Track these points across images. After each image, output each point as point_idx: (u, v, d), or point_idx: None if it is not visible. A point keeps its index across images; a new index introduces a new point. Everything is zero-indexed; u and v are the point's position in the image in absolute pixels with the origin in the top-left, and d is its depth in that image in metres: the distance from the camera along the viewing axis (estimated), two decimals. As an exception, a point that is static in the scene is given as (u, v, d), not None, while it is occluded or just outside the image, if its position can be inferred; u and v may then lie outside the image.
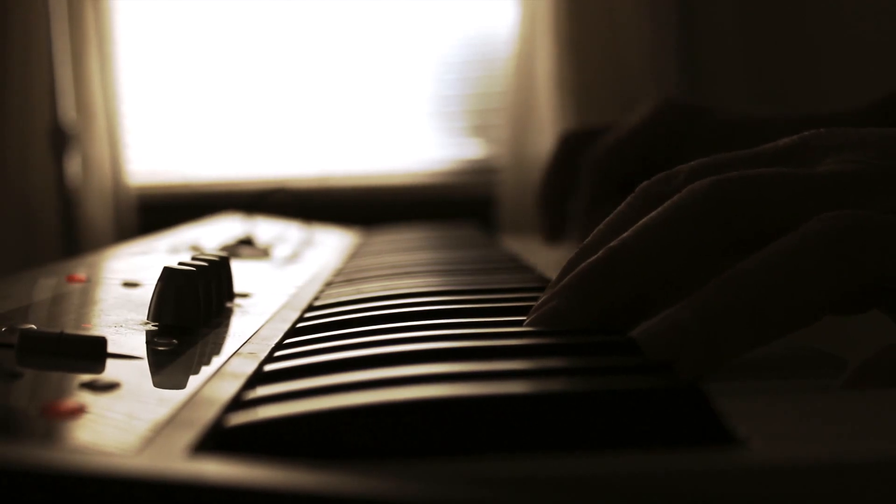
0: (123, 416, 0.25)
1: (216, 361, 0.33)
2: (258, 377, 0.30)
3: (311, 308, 0.46)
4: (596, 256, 0.35)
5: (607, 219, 0.39)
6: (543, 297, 0.36)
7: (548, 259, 0.72)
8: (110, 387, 0.27)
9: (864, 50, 1.63)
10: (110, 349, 0.32)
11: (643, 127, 0.70)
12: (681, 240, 0.33)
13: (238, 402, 0.27)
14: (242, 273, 0.55)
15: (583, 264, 0.35)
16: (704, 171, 0.36)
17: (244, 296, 0.48)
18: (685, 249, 0.33)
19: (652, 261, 0.34)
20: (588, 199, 0.71)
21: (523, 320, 0.37)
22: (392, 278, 0.53)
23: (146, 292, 0.42)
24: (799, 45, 1.75)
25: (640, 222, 0.35)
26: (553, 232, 0.79)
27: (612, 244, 0.35)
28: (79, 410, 0.25)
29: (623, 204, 0.38)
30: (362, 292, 0.48)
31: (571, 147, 0.77)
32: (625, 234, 0.35)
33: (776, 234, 0.32)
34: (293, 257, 0.70)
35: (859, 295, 0.31)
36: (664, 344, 0.30)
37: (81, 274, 0.52)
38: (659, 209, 0.34)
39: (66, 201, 1.72)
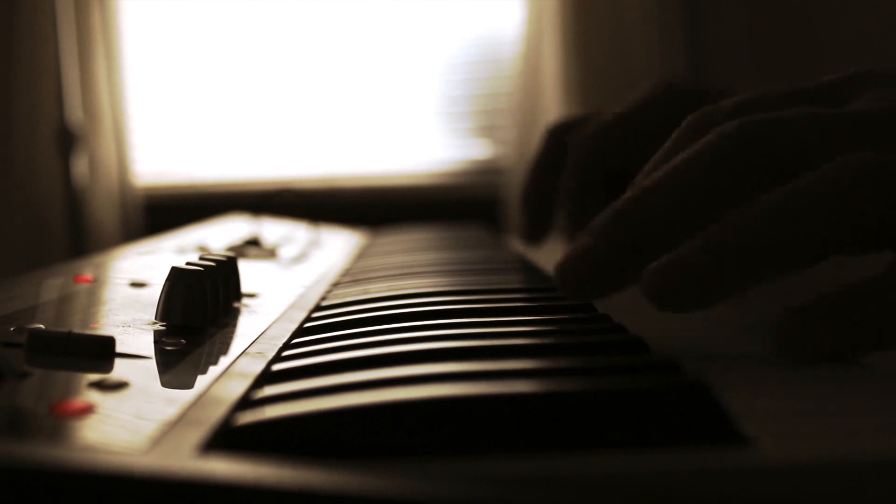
0: (132, 416, 0.25)
1: (224, 361, 0.33)
2: (266, 377, 0.31)
3: (318, 308, 0.46)
4: (627, 195, 0.35)
5: (655, 155, 0.38)
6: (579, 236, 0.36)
7: (554, 259, 0.71)
8: (118, 386, 0.27)
9: (871, 43, 1.62)
10: (118, 349, 0.32)
11: (634, 111, 0.65)
12: (708, 181, 0.33)
13: (246, 402, 0.27)
14: (249, 273, 0.55)
15: (614, 202, 0.35)
16: (747, 108, 0.36)
17: (251, 296, 0.48)
18: (712, 191, 0.33)
19: (680, 201, 0.34)
20: (571, 189, 0.65)
21: (530, 320, 0.37)
22: (399, 279, 0.53)
23: (154, 292, 0.42)
24: (805, 44, 1.74)
25: (672, 162, 0.34)
26: (534, 231, 0.71)
27: (643, 182, 0.35)
28: (87, 410, 0.25)
29: (670, 138, 0.38)
30: (369, 292, 0.48)
31: (559, 139, 0.70)
32: (656, 173, 0.34)
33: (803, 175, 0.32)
34: (300, 258, 0.70)
35: (866, 237, 0.31)
36: (664, 277, 0.31)
37: (89, 274, 0.52)
38: (689, 149, 0.34)
39: (73, 202, 1.72)
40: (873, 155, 0.31)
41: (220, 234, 0.81)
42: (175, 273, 0.38)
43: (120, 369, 0.30)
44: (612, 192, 0.67)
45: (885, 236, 0.31)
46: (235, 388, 0.28)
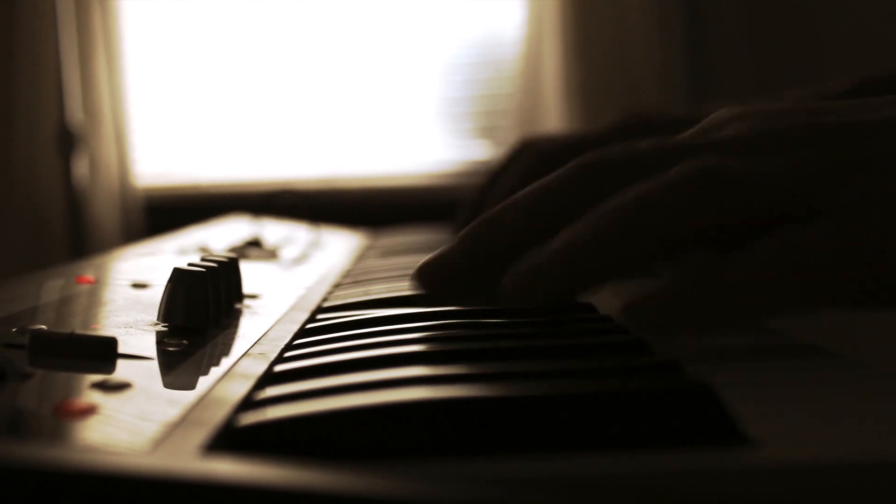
0: (134, 417, 0.25)
1: (226, 362, 0.33)
2: (268, 378, 0.31)
3: (319, 309, 0.46)
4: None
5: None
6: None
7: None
8: (121, 387, 0.28)
9: (872, 50, 1.62)
10: (120, 350, 0.32)
11: (600, 136, 0.67)
12: (556, 198, 0.37)
13: (248, 403, 0.27)
14: (251, 274, 0.55)
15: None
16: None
17: (253, 297, 0.48)
18: (560, 205, 0.36)
19: (530, 212, 0.37)
20: (504, 192, 0.65)
21: (531, 321, 0.37)
22: (400, 279, 0.53)
23: (155, 293, 0.42)
24: (806, 47, 1.74)
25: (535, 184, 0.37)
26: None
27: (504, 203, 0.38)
28: (89, 410, 0.25)
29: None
30: (371, 294, 0.48)
31: (546, 169, 0.71)
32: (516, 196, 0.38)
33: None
34: (301, 259, 0.70)
35: (706, 236, 0.33)
36: (523, 279, 0.34)
37: (90, 275, 0.52)
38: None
39: (74, 203, 1.73)
40: (716, 158, 0.33)
41: (221, 235, 0.81)
42: (177, 274, 0.39)
43: (122, 370, 0.30)
44: None
45: (727, 236, 0.33)
46: (237, 389, 0.28)
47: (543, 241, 0.35)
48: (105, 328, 0.37)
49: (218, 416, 0.25)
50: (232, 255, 0.47)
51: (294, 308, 0.46)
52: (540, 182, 0.37)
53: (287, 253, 0.72)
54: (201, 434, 0.24)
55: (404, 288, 0.49)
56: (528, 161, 0.68)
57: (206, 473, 0.19)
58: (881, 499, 0.21)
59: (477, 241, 0.37)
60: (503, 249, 0.37)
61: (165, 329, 0.38)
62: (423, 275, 0.38)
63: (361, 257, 0.75)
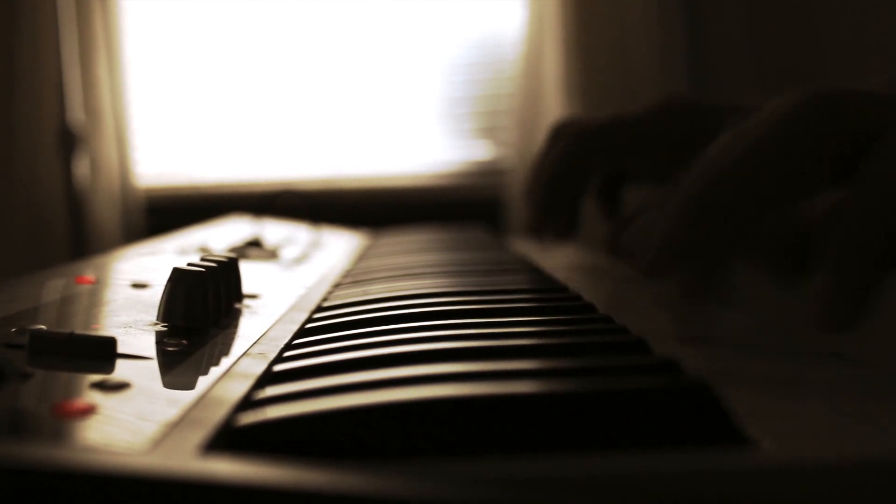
0: (133, 416, 0.25)
1: (225, 362, 0.33)
2: (267, 377, 0.31)
3: (319, 309, 0.46)
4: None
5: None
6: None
7: (556, 260, 0.72)
8: (120, 387, 0.28)
9: (872, 48, 1.62)
10: (120, 350, 0.32)
11: (634, 119, 0.66)
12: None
13: (248, 402, 0.27)
14: (251, 274, 0.55)
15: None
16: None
17: (253, 297, 0.48)
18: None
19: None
20: (554, 175, 0.67)
21: (531, 321, 0.37)
22: (400, 280, 0.53)
23: (155, 293, 0.42)
24: (806, 47, 1.74)
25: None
26: (542, 226, 0.71)
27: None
28: (89, 410, 0.25)
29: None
30: (370, 294, 0.48)
31: (588, 146, 0.69)
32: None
33: None
34: (301, 259, 0.70)
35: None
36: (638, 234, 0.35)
37: (90, 275, 0.52)
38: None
39: (75, 203, 1.72)
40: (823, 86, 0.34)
41: (221, 235, 0.81)
42: (176, 274, 0.39)
43: (121, 370, 0.30)
44: (604, 194, 0.69)
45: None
46: (237, 389, 0.28)
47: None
48: (105, 328, 0.37)
49: (217, 415, 0.25)
50: (232, 255, 0.47)
51: (294, 308, 0.46)
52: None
53: (287, 253, 0.72)
54: (200, 434, 0.24)
55: (404, 288, 0.49)
56: (567, 139, 0.67)
57: (205, 473, 0.19)
58: (881, 499, 0.21)
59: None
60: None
61: (165, 329, 0.38)
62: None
63: (361, 257, 0.75)
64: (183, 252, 0.66)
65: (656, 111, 0.66)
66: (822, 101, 0.34)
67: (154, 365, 0.32)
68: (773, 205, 0.35)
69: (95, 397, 0.26)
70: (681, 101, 0.67)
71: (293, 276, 0.59)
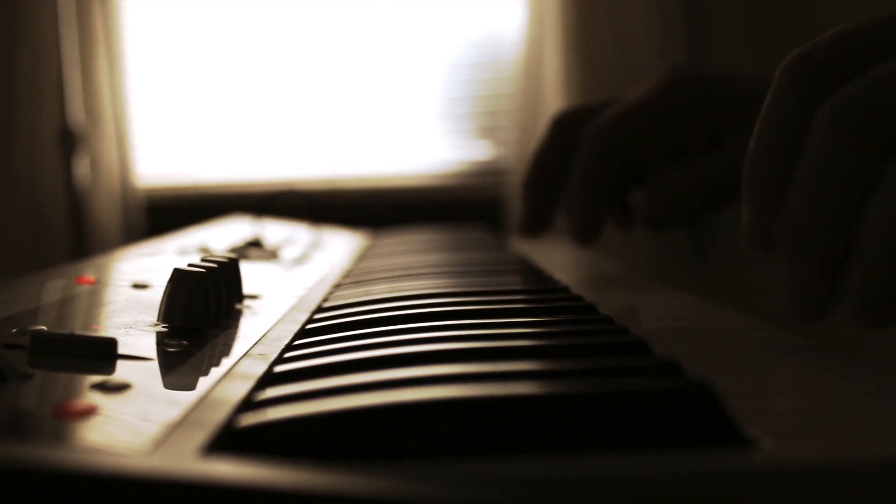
0: (134, 417, 0.25)
1: (226, 363, 0.33)
2: (268, 378, 0.31)
3: (320, 309, 0.46)
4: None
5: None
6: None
7: (556, 260, 0.72)
8: (121, 388, 0.28)
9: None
10: (120, 350, 0.32)
11: (648, 101, 0.64)
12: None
13: (248, 403, 0.27)
14: (251, 275, 0.55)
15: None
16: None
17: (253, 297, 0.48)
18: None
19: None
20: (584, 182, 0.63)
21: (532, 322, 0.37)
22: (401, 280, 0.53)
23: (156, 294, 0.42)
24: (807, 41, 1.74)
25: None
26: (536, 223, 0.69)
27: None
28: (90, 411, 0.25)
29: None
30: (371, 294, 0.48)
31: (566, 128, 0.67)
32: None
33: None
34: (302, 259, 0.70)
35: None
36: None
37: (90, 276, 0.52)
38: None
39: (75, 203, 1.72)
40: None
41: (221, 236, 0.81)
42: (177, 274, 0.39)
43: (122, 371, 0.30)
44: (623, 184, 0.67)
45: None
46: (238, 390, 0.28)
47: None
48: (105, 329, 0.37)
49: (218, 416, 0.25)
50: (232, 255, 0.47)
51: (294, 308, 0.46)
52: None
53: (288, 253, 0.72)
54: (201, 435, 0.24)
55: (405, 288, 0.49)
56: (587, 146, 0.64)
57: (206, 474, 0.19)
58: (881, 499, 0.21)
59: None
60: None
61: (165, 329, 0.38)
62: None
63: (362, 258, 0.75)
64: (183, 252, 0.66)
65: (665, 86, 0.64)
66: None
67: (155, 366, 0.32)
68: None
69: (96, 398, 0.26)
70: (685, 72, 0.65)
71: (294, 277, 0.59)
